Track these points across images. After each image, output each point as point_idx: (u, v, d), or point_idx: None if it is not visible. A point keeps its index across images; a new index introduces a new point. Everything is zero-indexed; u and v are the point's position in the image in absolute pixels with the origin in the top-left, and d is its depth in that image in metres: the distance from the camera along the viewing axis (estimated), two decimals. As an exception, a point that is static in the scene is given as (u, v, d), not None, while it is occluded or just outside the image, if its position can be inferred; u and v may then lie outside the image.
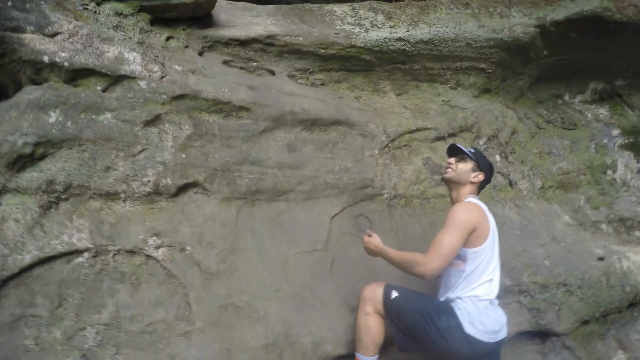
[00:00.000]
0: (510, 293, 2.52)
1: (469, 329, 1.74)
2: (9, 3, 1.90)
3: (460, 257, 1.83)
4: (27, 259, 1.73)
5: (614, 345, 2.75)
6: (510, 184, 3.11)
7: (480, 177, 2.01)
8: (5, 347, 1.62)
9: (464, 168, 2.00)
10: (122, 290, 1.86)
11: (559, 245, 2.89)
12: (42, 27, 1.95)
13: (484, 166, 2.04)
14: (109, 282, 1.85)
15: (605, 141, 3.60)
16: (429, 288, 2.06)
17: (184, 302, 1.92)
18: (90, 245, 1.84)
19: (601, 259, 2.87)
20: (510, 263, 2.61)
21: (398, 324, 1.83)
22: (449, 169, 2.04)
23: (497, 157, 3.13)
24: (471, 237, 1.81)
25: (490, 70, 3.13)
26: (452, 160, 2.04)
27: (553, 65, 3.43)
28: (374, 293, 1.89)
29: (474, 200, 1.95)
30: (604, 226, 3.26)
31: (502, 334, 1.85)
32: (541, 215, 3.08)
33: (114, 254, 1.89)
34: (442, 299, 1.91)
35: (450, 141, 2.74)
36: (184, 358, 1.81)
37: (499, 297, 1.92)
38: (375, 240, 1.94)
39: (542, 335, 2.62)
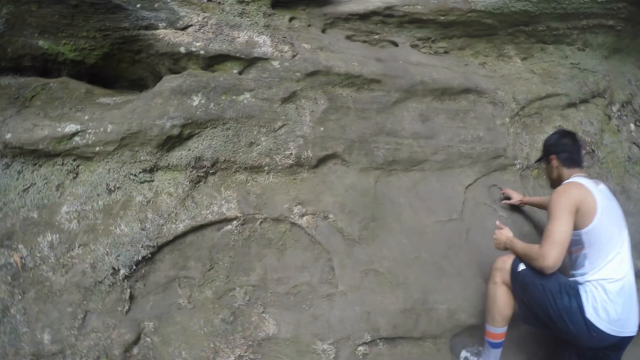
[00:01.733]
0: (638, 277, 2.31)
1: (589, 314, 1.65)
2: (138, 5, 2.03)
3: (575, 242, 1.77)
4: (181, 227, 1.90)
5: None
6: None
7: (553, 158, 2.03)
8: (161, 304, 1.82)
9: (547, 169, 2.14)
10: (269, 255, 2.00)
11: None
12: (173, 22, 2.09)
13: (549, 146, 2.07)
14: (256, 247, 2.00)
15: None
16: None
17: (328, 267, 2.03)
18: (239, 214, 1.98)
19: None
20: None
21: (522, 296, 1.82)
22: None
23: (632, 126, 2.87)
24: (577, 218, 1.74)
25: (619, 28, 2.84)
26: None
27: (690, 17, 3.03)
28: (504, 264, 1.89)
29: (572, 179, 1.89)
30: None
31: (630, 331, 1.69)
32: (680, 189, 2.78)
33: (261, 222, 2.02)
34: (570, 279, 1.82)
35: (583, 108, 2.57)
36: (327, 318, 1.91)
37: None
38: (507, 233, 1.95)
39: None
